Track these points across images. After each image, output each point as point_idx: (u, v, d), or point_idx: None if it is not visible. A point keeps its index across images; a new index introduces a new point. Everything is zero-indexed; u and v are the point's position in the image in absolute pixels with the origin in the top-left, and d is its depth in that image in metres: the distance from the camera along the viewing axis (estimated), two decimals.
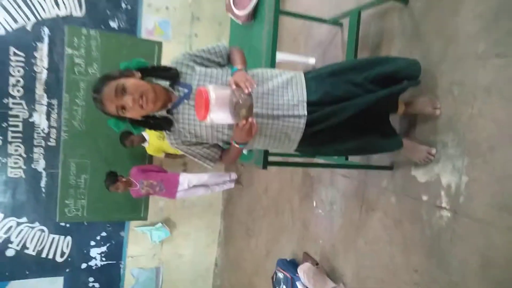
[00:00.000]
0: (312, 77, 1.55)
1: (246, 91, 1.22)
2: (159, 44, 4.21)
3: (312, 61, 2.89)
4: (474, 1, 1.67)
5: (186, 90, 1.40)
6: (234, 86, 1.24)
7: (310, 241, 2.86)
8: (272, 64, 1.79)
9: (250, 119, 1.24)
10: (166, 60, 4.23)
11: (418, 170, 1.91)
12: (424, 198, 1.87)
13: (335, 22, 2.58)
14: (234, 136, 1.35)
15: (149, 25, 4.21)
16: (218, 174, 4.28)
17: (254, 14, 1.98)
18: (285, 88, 1.47)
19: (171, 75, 1.39)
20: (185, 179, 3.90)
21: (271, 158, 1.87)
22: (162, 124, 1.44)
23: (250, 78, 1.28)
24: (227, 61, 1.53)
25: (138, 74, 1.37)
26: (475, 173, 1.63)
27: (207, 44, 1.51)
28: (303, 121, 1.46)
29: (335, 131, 1.54)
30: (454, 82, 1.74)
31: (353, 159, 2.30)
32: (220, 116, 1.20)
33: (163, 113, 1.44)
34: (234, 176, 4.29)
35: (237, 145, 1.38)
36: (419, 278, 1.87)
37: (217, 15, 4.39)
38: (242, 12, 1.96)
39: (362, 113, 1.51)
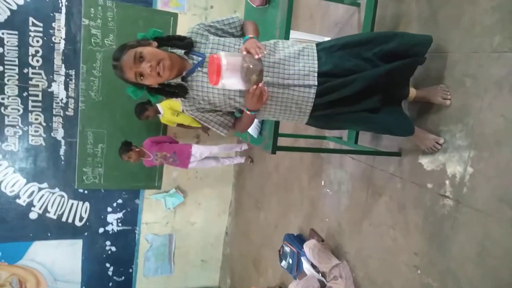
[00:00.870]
0: (323, 48, 1.57)
1: (256, 56, 1.27)
2: (175, 16, 4.19)
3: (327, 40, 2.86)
4: None
5: (199, 58, 1.46)
6: (245, 53, 1.29)
7: (317, 218, 2.95)
8: None
9: (260, 85, 1.29)
10: (181, 31, 4.20)
11: (425, 158, 1.95)
12: (429, 185, 1.91)
13: (353, 3, 2.53)
14: (246, 103, 1.41)
15: None
16: (230, 146, 4.37)
17: None
18: (297, 58, 1.50)
19: (186, 44, 1.46)
20: (197, 151, 4.00)
21: (280, 141, 1.92)
22: (178, 91, 1.49)
23: (260, 45, 1.33)
24: (240, 32, 1.57)
25: (155, 43, 1.43)
26: (480, 166, 1.66)
27: (222, 16, 1.56)
28: (313, 91, 1.50)
29: (346, 104, 1.56)
30: (466, 73, 1.74)
31: (363, 142, 2.33)
32: (231, 81, 1.26)
33: (178, 80, 1.50)
34: (245, 146, 4.37)
35: (248, 112, 1.44)
36: (419, 261, 1.95)
37: None
38: None
39: (373, 89, 1.53)
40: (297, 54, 1.51)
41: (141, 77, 1.38)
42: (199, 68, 1.45)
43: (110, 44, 4.02)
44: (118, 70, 1.39)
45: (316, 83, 1.49)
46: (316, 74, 1.49)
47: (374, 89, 1.55)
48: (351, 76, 1.50)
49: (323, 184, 2.90)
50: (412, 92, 1.88)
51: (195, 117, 1.56)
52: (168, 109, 3.89)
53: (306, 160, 3.17)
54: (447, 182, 1.82)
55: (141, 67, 1.35)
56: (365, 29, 2.23)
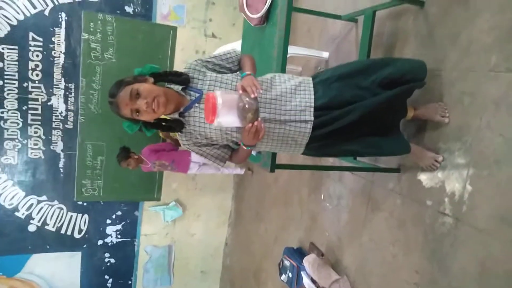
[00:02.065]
0: (320, 81, 1.58)
1: (252, 95, 1.28)
2: (174, 29, 4.22)
3: (325, 55, 2.88)
4: (490, 12, 1.65)
5: (197, 95, 1.47)
6: (241, 91, 1.31)
7: (317, 232, 2.95)
8: (283, 69, 1.81)
9: (256, 123, 1.30)
10: (180, 45, 4.24)
11: (424, 175, 1.95)
12: (428, 203, 1.92)
13: (351, 19, 2.55)
14: (242, 139, 1.42)
15: (164, 10, 4.21)
16: (227, 169, 4.38)
17: (267, 17, 1.99)
18: (293, 93, 1.52)
19: (183, 80, 1.47)
20: (196, 157, 4.00)
21: (279, 157, 1.93)
22: (174, 126, 1.51)
23: (256, 83, 1.34)
24: (238, 66, 1.60)
25: (151, 79, 1.44)
26: (479, 184, 1.66)
27: (219, 50, 1.57)
28: (309, 126, 1.51)
29: (341, 133, 1.58)
30: (465, 91, 1.75)
31: (362, 159, 2.34)
32: (227, 119, 1.27)
33: (175, 115, 1.51)
34: (240, 171, 4.39)
35: (245, 147, 1.45)
36: (420, 279, 1.94)
37: (232, 0, 4.35)
38: (255, 15, 1.97)
39: (371, 117, 1.55)
40: (294, 89, 1.52)
41: (137, 113, 1.39)
42: (196, 104, 1.47)
43: (110, 58, 4.04)
44: (114, 107, 1.40)
45: (312, 118, 1.50)
46: (312, 109, 1.51)
47: (372, 115, 1.55)
48: (349, 106, 1.51)
49: (322, 198, 2.90)
50: (410, 111, 1.89)
51: (192, 150, 1.57)
52: None
53: (305, 173, 3.17)
54: (446, 199, 1.82)
55: (137, 104, 1.35)
56: (363, 45, 2.25)
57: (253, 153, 2.02)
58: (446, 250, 1.78)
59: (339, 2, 2.77)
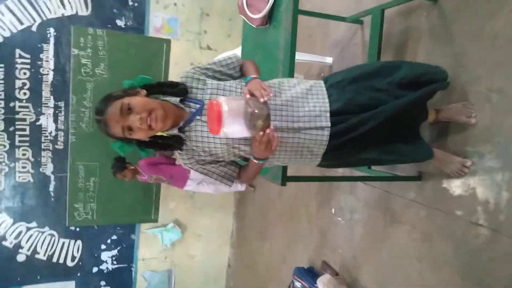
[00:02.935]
0: (332, 84, 1.42)
1: (262, 99, 1.12)
2: (168, 42, 4.07)
3: (329, 60, 2.74)
4: None
5: (197, 106, 1.30)
6: (248, 96, 1.14)
7: (329, 249, 2.74)
8: (291, 71, 1.65)
9: (268, 130, 1.13)
10: (174, 58, 4.10)
11: (451, 183, 1.77)
12: (458, 213, 1.73)
13: (355, 20, 2.42)
14: (253, 151, 1.25)
15: (157, 23, 4.07)
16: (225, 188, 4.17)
17: (270, 17, 1.84)
18: (305, 98, 1.36)
19: (180, 90, 1.30)
20: (195, 174, 3.78)
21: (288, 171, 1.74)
22: (173, 143, 1.33)
23: (265, 86, 1.19)
24: (239, 73, 1.44)
25: (144, 92, 1.27)
26: None
27: (218, 56, 1.41)
28: (326, 133, 1.35)
29: (361, 141, 1.42)
30: (492, 88, 1.59)
31: (377, 167, 2.16)
32: (234, 129, 1.10)
33: (174, 131, 1.33)
34: (241, 188, 4.18)
35: (256, 161, 1.27)
36: None
37: (227, 11, 4.23)
38: (257, 15, 1.82)
39: (391, 121, 1.39)
40: (305, 93, 1.36)
41: (130, 132, 1.21)
42: (198, 117, 1.29)
43: (101, 74, 3.87)
44: (102, 125, 1.21)
45: (329, 124, 1.34)
46: (328, 114, 1.34)
47: (393, 120, 1.40)
48: (369, 112, 1.35)
49: (333, 212, 2.70)
50: (431, 113, 1.73)
51: (195, 169, 1.39)
52: None
53: (313, 186, 2.98)
54: (479, 208, 1.64)
55: (129, 120, 1.18)
56: (372, 47, 2.10)
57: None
58: (484, 266, 1.59)
59: (341, 4, 2.64)
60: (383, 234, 2.20)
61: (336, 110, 1.35)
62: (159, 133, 1.32)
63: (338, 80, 1.42)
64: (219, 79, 1.37)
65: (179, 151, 1.36)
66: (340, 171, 2.55)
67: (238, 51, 2.23)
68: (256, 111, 1.10)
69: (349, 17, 2.40)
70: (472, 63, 1.68)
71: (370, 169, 2.14)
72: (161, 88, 1.31)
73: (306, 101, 1.35)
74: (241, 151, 1.34)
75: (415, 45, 2.01)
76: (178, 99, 1.30)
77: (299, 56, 2.69)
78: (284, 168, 1.66)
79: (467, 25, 1.70)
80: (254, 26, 1.88)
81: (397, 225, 2.10)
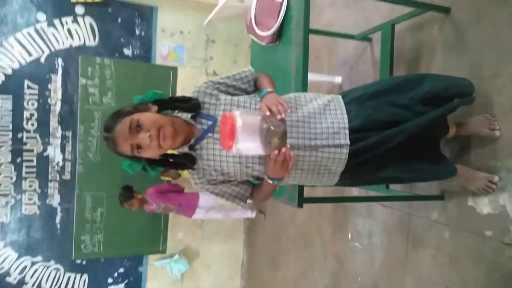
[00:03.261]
0: (351, 100, 1.36)
1: (279, 116, 1.04)
2: (174, 69, 4.07)
3: (338, 80, 2.69)
4: None
5: (210, 122, 1.23)
6: (266, 111, 1.06)
7: (347, 277, 2.58)
8: (304, 87, 1.59)
9: (284, 149, 1.05)
10: (181, 85, 4.09)
11: (478, 201, 1.66)
12: (488, 233, 1.61)
13: (364, 37, 2.38)
14: (267, 170, 1.16)
15: (163, 51, 4.11)
16: (236, 212, 4.06)
17: (279, 34, 1.80)
18: (323, 114, 1.28)
19: (192, 106, 1.23)
20: (205, 202, 3.69)
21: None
22: (184, 162, 1.26)
23: (283, 101, 1.11)
24: (254, 87, 1.37)
25: (155, 108, 1.21)
26: None
27: (232, 71, 1.36)
28: (345, 151, 1.26)
29: (381, 158, 1.35)
30: None
31: (395, 186, 2.05)
32: (248, 145, 1.02)
33: (185, 149, 1.26)
34: (252, 215, 4.07)
35: (270, 181, 1.18)
36: None
37: (232, 37, 4.27)
38: (267, 33, 1.78)
39: (411, 138, 1.32)
40: (323, 108, 1.29)
41: (139, 150, 1.14)
42: (210, 134, 1.22)
43: (109, 103, 3.85)
44: (111, 143, 1.16)
45: (348, 142, 1.26)
46: (347, 131, 1.27)
47: (413, 137, 1.33)
48: (390, 130, 1.28)
49: (349, 237, 2.57)
50: (452, 127, 1.65)
51: (206, 189, 1.31)
52: None
53: (327, 210, 2.86)
54: (511, 227, 1.51)
55: (138, 137, 1.12)
56: (384, 64, 2.06)
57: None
58: None
59: (349, 23, 2.62)
60: (406, 259, 2.06)
61: (355, 127, 1.28)
62: (169, 151, 1.25)
63: (358, 95, 1.36)
64: (233, 94, 1.30)
65: (190, 170, 1.29)
66: (356, 193, 2.45)
67: None
68: (272, 128, 1.02)
69: (357, 35, 2.37)
70: (492, 73, 1.61)
71: (388, 189, 2.04)
72: (173, 103, 1.25)
73: (324, 117, 1.28)
74: (254, 171, 1.26)
75: (429, 59, 1.95)
76: (189, 115, 1.24)
77: (308, 76, 2.65)
78: (301, 189, 1.56)
79: (484, 34, 1.65)
80: (263, 44, 1.84)
81: (420, 248, 1.97)
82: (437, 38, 1.91)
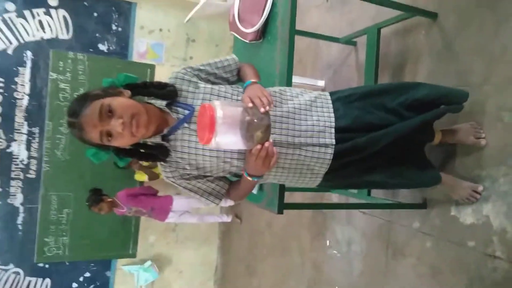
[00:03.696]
0: (339, 98, 1.30)
1: (262, 109, 0.96)
2: (152, 67, 3.93)
3: (321, 83, 2.64)
4: None
5: (186, 112, 1.13)
6: (248, 103, 0.98)
7: (324, 285, 2.51)
8: (289, 85, 1.51)
9: (267, 144, 0.97)
10: None
11: (461, 210, 1.62)
12: (470, 244, 1.57)
13: (348, 41, 2.34)
14: (247, 166, 1.08)
15: (141, 48, 3.96)
16: (211, 217, 3.95)
17: (264, 31, 1.72)
18: (308, 110, 1.22)
19: (168, 93, 1.13)
20: (178, 206, 3.55)
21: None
22: (156, 153, 1.15)
23: (267, 94, 1.03)
24: (237, 77, 1.29)
25: (128, 93, 1.10)
26: None
27: (214, 58, 1.26)
28: (330, 151, 1.21)
29: (364, 162, 1.30)
30: (503, 107, 1.49)
31: (376, 193, 2.01)
32: (228, 139, 0.94)
33: (157, 139, 1.15)
34: (227, 219, 3.96)
35: (249, 178, 1.10)
36: None
37: (214, 36, 4.16)
38: (250, 30, 1.70)
39: (397, 142, 1.28)
40: (309, 105, 1.23)
41: (109, 138, 1.03)
42: (186, 124, 1.13)
43: None
44: (76, 129, 1.03)
45: (333, 141, 1.21)
46: (333, 130, 1.21)
47: (399, 142, 1.28)
48: (377, 132, 1.23)
49: (328, 244, 2.50)
50: (438, 135, 1.61)
51: (178, 185, 1.21)
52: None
53: (305, 216, 2.79)
54: (494, 238, 1.48)
55: (110, 124, 1.02)
56: (369, 68, 2.01)
57: (254, 191, 1.65)
58: None
59: (334, 26, 2.57)
60: (386, 268, 2.01)
61: (342, 127, 1.22)
62: (141, 141, 1.15)
63: (347, 94, 1.29)
64: (213, 83, 1.21)
65: (162, 163, 1.18)
66: (336, 199, 2.39)
67: None
68: (255, 120, 0.94)
69: (342, 38, 2.33)
70: (479, 81, 1.58)
71: (369, 196, 1.99)
72: (147, 88, 1.14)
73: (310, 113, 1.21)
74: (232, 167, 1.17)
75: (415, 65, 1.92)
76: (164, 102, 1.13)
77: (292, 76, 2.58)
78: (281, 194, 1.48)
79: (471, 41, 1.62)
80: (246, 41, 1.76)
81: (400, 258, 1.92)
82: (423, 44, 1.88)
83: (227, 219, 3.98)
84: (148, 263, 4.11)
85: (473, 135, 1.56)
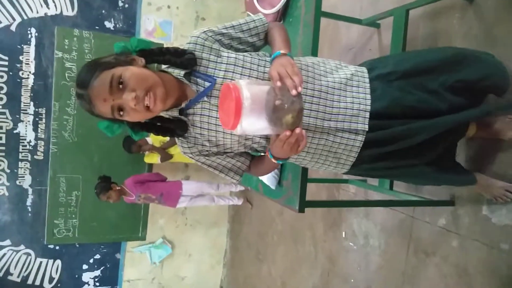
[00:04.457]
0: (378, 76, 1.14)
1: (294, 91, 0.84)
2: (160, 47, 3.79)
3: None
4: None
5: (207, 84, 1.01)
6: (276, 81, 0.86)
7: (338, 278, 2.45)
8: None
9: (298, 130, 0.86)
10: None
11: (494, 210, 1.51)
12: (503, 246, 1.47)
13: (371, 23, 2.18)
14: (273, 149, 0.96)
15: (148, 26, 3.80)
16: (224, 186, 3.86)
17: (284, 13, 1.58)
18: (343, 90, 1.08)
19: (187, 61, 1.00)
20: (188, 190, 3.49)
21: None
22: (174, 128, 1.05)
23: (298, 70, 0.90)
24: (264, 41, 1.14)
25: (142, 61, 0.99)
26: None
27: (238, 19, 1.12)
28: (360, 139, 1.09)
29: (396, 155, 1.17)
30: None
31: (399, 187, 1.90)
32: (256, 125, 0.85)
33: (175, 113, 1.05)
34: (240, 187, 3.87)
35: (274, 160, 0.99)
36: None
37: (224, 15, 3.98)
38: (270, 11, 1.56)
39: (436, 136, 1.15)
40: (344, 83, 1.08)
41: (121, 112, 0.93)
42: (206, 98, 1.01)
43: None
44: (85, 102, 0.93)
45: (366, 128, 1.08)
46: (367, 115, 1.08)
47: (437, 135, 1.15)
48: (416, 124, 1.08)
49: (343, 236, 2.42)
50: (472, 128, 1.48)
51: (197, 161, 1.11)
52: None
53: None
54: None
55: (121, 97, 0.92)
56: (394, 52, 1.86)
57: (272, 186, 1.55)
58: None
59: (353, 6, 2.40)
60: (406, 265, 1.92)
61: (377, 111, 1.09)
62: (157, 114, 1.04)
63: (386, 71, 1.13)
64: (237, 49, 1.08)
65: (180, 138, 1.08)
66: (353, 190, 2.29)
67: None
68: (285, 104, 0.82)
69: (365, 19, 2.16)
70: None
71: (392, 189, 1.88)
72: (163, 55, 1.02)
73: (344, 93, 1.08)
74: (254, 143, 1.08)
75: None
76: (183, 72, 1.01)
77: None
78: (303, 192, 1.38)
79: None
80: None
81: (423, 256, 1.83)
82: (457, 28, 1.72)
83: (238, 201, 3.92)
84: (160, 240, 4.11)
85: (511, 130, 1.44)
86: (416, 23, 1.93)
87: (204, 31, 1.04)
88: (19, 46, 3.39)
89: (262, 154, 1.13)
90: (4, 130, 3.43)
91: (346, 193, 2.37)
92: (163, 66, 1.06)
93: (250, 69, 1.02)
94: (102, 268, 3.99)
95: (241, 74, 1.00)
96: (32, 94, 3.48)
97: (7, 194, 3.52)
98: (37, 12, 3.45)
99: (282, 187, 1.53)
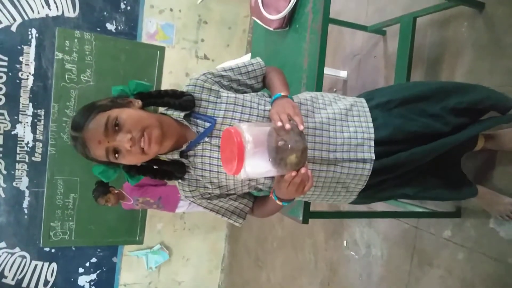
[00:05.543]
0: (378, 105, 1.13)
1: (301, 126, 0.83)
2: (161, 50, 3.77)
3: (343, 74, 2.47)
4: None
5: (207, 124, 0.99)
6: (277, 122, 0.83)
7: (338, 287, 2.41)
8: (319, 82, 1.36)
9: (303, 170, 0.83)
10: (169, 68, 3.79)
11: (501, 224, 1.49)
12: (511, 260, 1.44)
13: (377, 30, 2.16)
14: (277, 191, 0.93)
15: (150, 29, 3.77)
16: None
17: (290, 19, 1.56)
18: (344, 120, 1.07)
19: (185, 103, 0.98)
20: None
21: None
22: (172, 170, 1.02)
23: (298, 111, 0.89)
24: (262, 84, 1.14)
25: (138, 103, 0.97)
26: None
27: (236, 61, 1.11)
28: (368, 167, 1.06)
29: (399, 177, 1.16)
30: None
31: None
32: (260, 168, 0.82)
33: (175, 155, 1.02)
34: None
35: (279, 202, 0.96)
36: None
37: (227, 19, 3.96)
38: (276, 16, 1.53)
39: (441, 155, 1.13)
40: (345, 114, 1.07)
41: (116, 155, 0.90)
42: (207, 139, 0.99)
43: (87, 80, 3.53)
44: (79, 145, 0.92)
45: (373, 156, 1.05)
46: (372, 143, 1.06)
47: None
48: (422, 148, 1.08)
49: (345, 244, 2.39)
50: (480, 140, 1.45)
51: (199, 204, 1.09)
52: None
53: None
54: None
55: (116, 140, 0.89)
56: (401, 61, 1.85)
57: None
58: None
59: (358, 13, 2.38)
60: (409, 277, 1.89)
61: (381, 139, 1.07)
62: (155, 157, 1.01)
63: (385, 100, 1.13)
64: (236, 90, 1.07)
65: (179, 181, 1.05)
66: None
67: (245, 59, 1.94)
68: (288, 144, 0.79)
69: (371, 26, 2.14)
70: None
71: (396, 200, 1.85)
72: (161, 98, 1.00)
73: (346, 124, 1.06)
74: (259, 184, 1.05)
75: (453, 60, 1.75)
76: (182, 113, 0.99)
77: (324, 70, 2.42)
78: (307, 203, 1.35)
79: None
80: (271, 28, 1.59)
81: (427, 267, 1.80)
82: (465, 37, 1.70)
83: None
84: (158, 246, 4.07)
85: None
86: (423, 31, 1.91)
87: (204, 74, 1.03)
88: (19, 47, 3.35)
89: (266, 193, 1.10)
90: (2, 131, 3.39)
91: (357, 208, 2.34)
92: (162, 109, 1.04)
93: (251, 107, 1.00)
94: (98, 272, 3.94)
95: (241, 113, 0.98)
96: (31, 95, 3.44)
97: (3, 195, 3.47)
98: (38, 13, 3.41)
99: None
